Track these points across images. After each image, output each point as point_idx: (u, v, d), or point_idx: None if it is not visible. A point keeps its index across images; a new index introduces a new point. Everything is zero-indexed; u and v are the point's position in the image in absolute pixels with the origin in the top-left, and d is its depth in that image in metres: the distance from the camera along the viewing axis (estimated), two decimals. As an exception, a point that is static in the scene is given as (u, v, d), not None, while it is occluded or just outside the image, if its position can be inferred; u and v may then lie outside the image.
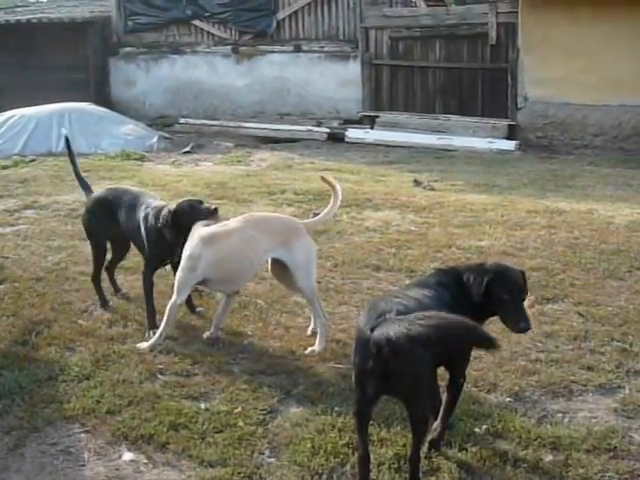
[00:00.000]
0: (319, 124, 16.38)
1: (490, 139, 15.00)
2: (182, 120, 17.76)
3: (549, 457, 4.03)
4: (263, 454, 4.08)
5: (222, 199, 10.22)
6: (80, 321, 5.87)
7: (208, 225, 5.36)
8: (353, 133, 15.83)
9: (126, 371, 4.96)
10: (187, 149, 14.84)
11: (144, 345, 5.33)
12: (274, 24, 18.07)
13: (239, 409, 4.49)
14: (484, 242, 8.25)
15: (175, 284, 5.39)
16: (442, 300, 3.86)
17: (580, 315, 6.05)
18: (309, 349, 5.35)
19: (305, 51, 17.52)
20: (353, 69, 16.97)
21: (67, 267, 7.19)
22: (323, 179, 5.84)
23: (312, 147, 15.25)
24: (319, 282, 6.14)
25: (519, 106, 15.38)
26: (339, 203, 5.69)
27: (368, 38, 16.84)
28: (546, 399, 4.72)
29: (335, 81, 17.04)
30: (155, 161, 13.80)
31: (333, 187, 5.65)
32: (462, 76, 16.11)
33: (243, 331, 5.71)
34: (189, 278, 5.30)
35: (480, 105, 15.95)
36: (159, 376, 4.92)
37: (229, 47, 18.46)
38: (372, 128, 16.08)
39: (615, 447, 4.11)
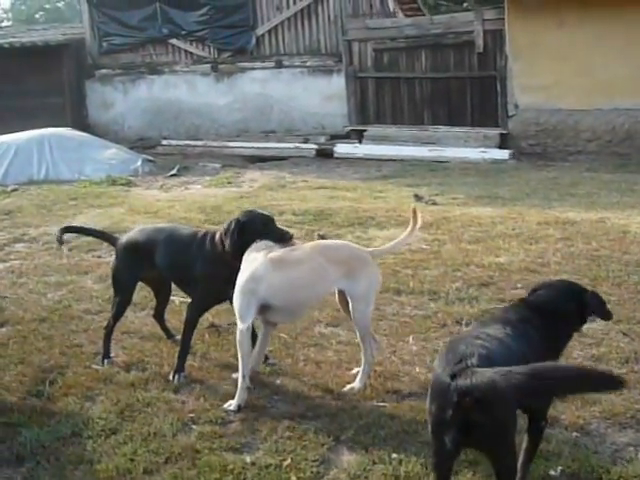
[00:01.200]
0: (306, 140, 16.04)
1: (483, 149, 14.76)
2: (164, 142, 17.36)
3: (639, 501, 3.68)
4: (326, 514, 3.70)
5: (219, 224, 9.80)
6: (94, 366, 5.44)
7: (270, 248, 4.93)
8: (342, 148, 15.51)
9: (156, 422, 4.54)
10: (173, 172, 14.44)
11: (233, 404, 4.71)
12: (253, 40, 17.78)
13: (288, 461, 4.09)
14: (502, 258, 7.92)
15: (236, 311, 4.87)
16: (528, 338, 3.50)
17: (624, 334, 5.72)
18: (348, 387, 4.96)
19: (287, 66, 17.21)
20: (337, 83, 16.69)
21: (70, 305, 6.76)
22: (413, 211, 5.36)
23: (301, 164, 14.89)
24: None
25: (510, 114, 15.17)
26: (413, 237, 5.42)
27: (351, 51, 16.57)
28: (613, 432, 4.37)
29: (319, 96, 16.74)
30: (142, 186, 13.36)
31: (415, 219, 5.28)
32: (450, 86, 15.89)
33: (273, 369, 5.32)
34: (250, 301, 4.78)
35: (470, 115, 15.73)
36: (193, 426, 4.50)
37: (208, 65, 18.14)
38: (360, 142, 15.77)
39: None
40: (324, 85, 16.77)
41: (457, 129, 15.39)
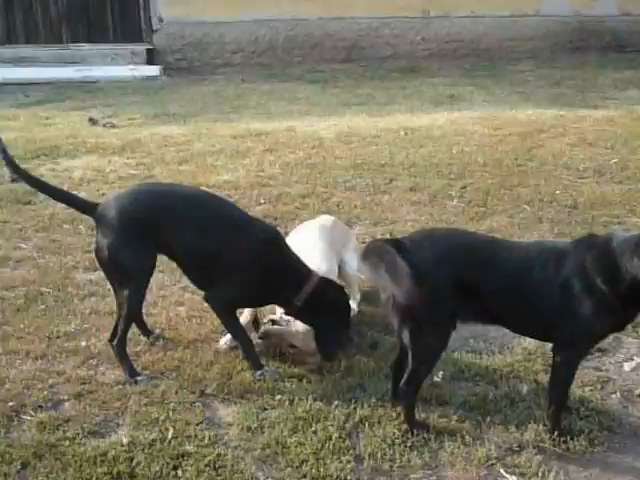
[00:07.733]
0: None
1: (132, 66, 14.08)
2: None
3: None
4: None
5: None
6: None
7: None
8: (-26, 74, 13.83)
9: (-33, 416, 3.71)
10: None
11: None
12: None
13: (171, 431, 3.59)
14: (225, 176, 7.80)
15: None
16: None
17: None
18: None
19: None
20: (-44, -1, 14.69)
21: None
22: None
23: None
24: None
25: (154, 28, 14.63)
26: None
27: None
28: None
29: None
30: None
31: None
32: (88, 0, 14.80)
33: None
34: None
35: (112, 30, 14.82)
36: (23, 416, 3.69)
37: None
38: (-7, 66, 14.22)
39: None
40: (-60, 3, 14.68)
41: (101, 46, 14.46)
